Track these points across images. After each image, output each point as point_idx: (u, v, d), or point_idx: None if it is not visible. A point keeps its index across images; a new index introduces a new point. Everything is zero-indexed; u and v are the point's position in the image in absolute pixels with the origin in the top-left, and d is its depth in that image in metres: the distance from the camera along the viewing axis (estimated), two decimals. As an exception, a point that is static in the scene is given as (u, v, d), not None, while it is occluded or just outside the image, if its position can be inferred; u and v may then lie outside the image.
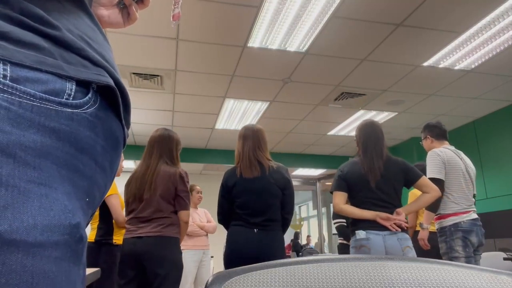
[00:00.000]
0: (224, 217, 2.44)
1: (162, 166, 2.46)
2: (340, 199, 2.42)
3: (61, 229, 0.39)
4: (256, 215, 2.29)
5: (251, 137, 2.44)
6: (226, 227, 2.43)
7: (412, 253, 2.31)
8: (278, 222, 2.35)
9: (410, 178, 2.40)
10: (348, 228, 4.18)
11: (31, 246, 0.36)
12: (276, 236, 2.32)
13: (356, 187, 2.38)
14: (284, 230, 2.42)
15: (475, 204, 2.84)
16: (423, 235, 2.86)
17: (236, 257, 2.24)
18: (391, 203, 2.35)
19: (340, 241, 4.33)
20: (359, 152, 2.49)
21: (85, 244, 0.44)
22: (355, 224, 2.37)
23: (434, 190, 2.35)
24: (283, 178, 2.38)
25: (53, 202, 0.39)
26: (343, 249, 4.26)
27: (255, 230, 2.27)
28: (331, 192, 2.50)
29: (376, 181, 2.33)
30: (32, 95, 0.39)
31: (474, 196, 2.87)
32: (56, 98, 0.41)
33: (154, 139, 2.56)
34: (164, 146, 2.53)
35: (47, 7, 0.45)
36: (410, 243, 2.30)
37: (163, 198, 2.40)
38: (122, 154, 2.78)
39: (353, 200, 2.43)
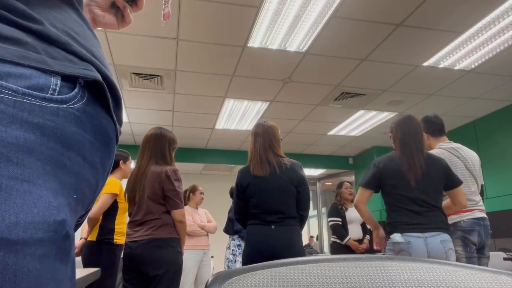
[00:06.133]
0: (241, 216, 2.44)
1: (151, 167, 2.41)
2: (362, 196, 2.32)
3: (45, 226, 0.38)
4: (272, 213, 2.28)
5: (262, 134, 2.42)
6: (244, 226, 2.44)
7: (454, 257, 2.16)
8: (295, 218, 2.34)
9: (450, 183, 2.27)
10: (342, 228, 4.22)
11: (14, 243, 0.35)
12: (294, 231, 2.30)
13: (392, 184, 2.25)
14: (301, 226, 2.41)
15: (483, 202, 2.74)
16: None
17: (256, 254, 2.22)
18: (432, 204, 2.20)
19: (333, 239, 4.36)
20: (396, 148, 2.37)
21: (73, 241, 0.43)
22: (393, 225, 2.23)
23: (461, 206, 2.28)
24: (296, 175, 2.35)
25: (36, 198, 0.38)
26: (336, 248, 4.29)
27: (272, 226, 2.26)
28: (360, 185, 2.38)
29: (416, 179, 2.19)
30: (14, 90, 0.38)
31: (482, 187, 2.78)
32: (40, 94, 0.40)
33: (146, 139, 2.53)
34: (155, 145, 2.48)
35: (30, 2, 0.45)
36: (452, 245, 2.16)
37: (151, 199, 2.36)
38: (130, 157, 2.77)
39: (388, 198, 2.29)
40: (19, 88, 0.39)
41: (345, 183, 4.54)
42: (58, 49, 0.45)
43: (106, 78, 0.49)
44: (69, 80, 0.44)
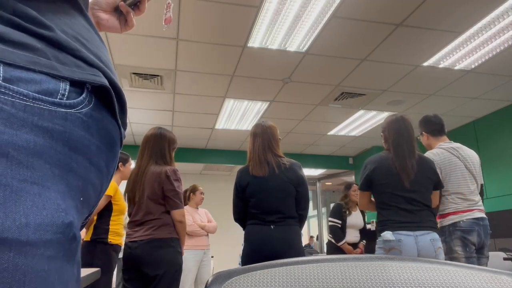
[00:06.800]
0: (240, 216, 2.43)
1: (151, 167, 2.41)
2: (362, 199, 2.47)
3: (54, 228, 0.39)
4: (271, 213, 2.27)
5: (261, 134, 2.41)
6: (243, 226, 2.42)
7: (443, 255, 2.21)
8: (294, 218, 2.33)
9: (438, 183, 2.34)
10: (340, 230, 4.22)
11: (24, 245, 0.36)
12: (294, 231, 2.30)
13: (384, 183, 2.29)
14: (300, 226, 2.41)
15: (483, 202, 2.75)
16: None
17: (256, 254, 2.22)
18: (423, 203, 2.24)
19: (329, 238, 4.37)
20: (388, 149, 2.40)
21: (79, 243, 0.44)
22: (384, 223, 2.27)
23: (435, 206, 2.38)
24: (296, 175, 2.35)
25: (46, 201, 0.39)
26: (331, 247, 4.31)
27: (272, 226, 2.26)
28: (358, 189, 2.53)
29: (410, 180, 2.24)
30: (25, 95, 0.39)
31: (482, 187, 2.79)
32: (49, 98, 0.41)
33: (145, 139, 2.52)
34: (154, 145, 2.47)
35: (41, 8, 0.46)
36: (441, 244, 2.21)
37: (151, 199, 2.35)
38: (130, 160, 2.80)
39: (380, 196, 2.33)
40: (30, 92, 0.40)
41: (354, 185, 4.48)
42: (67, 54, 0.46)
43: (112, 83, 0.50)
44: (77, 85, 0.45)
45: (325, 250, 8.96)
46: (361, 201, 2.49)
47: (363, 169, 2.42)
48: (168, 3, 0.78)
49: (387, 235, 2.19)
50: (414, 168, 2.26)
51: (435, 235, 2.19)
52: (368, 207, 2.49)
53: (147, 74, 4.32)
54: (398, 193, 2.24)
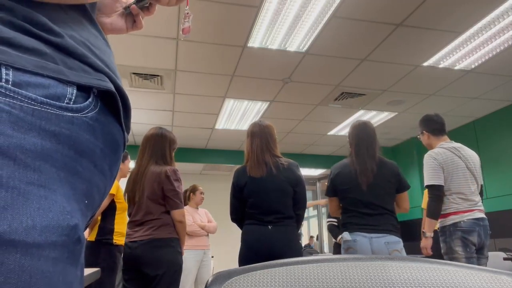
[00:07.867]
0: (237, 216, 2.42)
1: (151, 167, 2.41)
2: (331, 206, 2.55)
3: (59, 230, 0.39)
4: (269, 213, 2.27)
5: (259, 134, 2.40)
6: (240, 226, 2.41)
7: None
8: (292, 218, 2.33)
9: (401, 186, 2.41)
10: (337, 228, 4.22)
11: (30, 246, 0.36)
12: (291, 231, 2.29)
13: (346, 188, 2.37)
14: (298, 226, 2.41)
15: (482, 202, 2.75)
16: (426, 244, 2.74)
17: (253, 254, 2.22)
18: (382, 207, 2.31)
19: (334, 240, 4.37)
20: (352, 153, 2.49)
21: (83, 245, 0.44)
22: (344, 225, 2.39)
23: (404, 210, 2.44)
24: (294, 175, 2.35)
25: (52, 203, 0.39)
26: (336, 247, 4.30)
27: (269, 226, 2.25)
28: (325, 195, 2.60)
29: (368, 183, 2.31)
30: (33, 99, 0.40)
31: (481, 187, 2.80)
32: (56, 103, 0.42)
33: (146, 139, 2.52)
34: (155, 145, 2.47)
35: (50, 15, 0.46)
36: (399, 247, 2.25)
37: (151, 199, 2.35)
38: (129, 157, 2.81)
39: (343, 201, 2.43)
40: (38, 97, 0.40)
41: None
42: (74, 60, 0.46)
43: (118, 88, 0.51)
44: (84, 90, 0.46)
45: (325, 250, 8.97)
46: (331, 207, 2.56)
47: (329, 175, 2.51)
48: (187, 13, 0.78)
49: (345, 235, 2.31)
50: (373, 171, 2.32)
51: (391, 238, 2.25)
52: (337, 213, 2.54)
53: (147, 74, 4.32)
54: (359, 197, 2.33)
